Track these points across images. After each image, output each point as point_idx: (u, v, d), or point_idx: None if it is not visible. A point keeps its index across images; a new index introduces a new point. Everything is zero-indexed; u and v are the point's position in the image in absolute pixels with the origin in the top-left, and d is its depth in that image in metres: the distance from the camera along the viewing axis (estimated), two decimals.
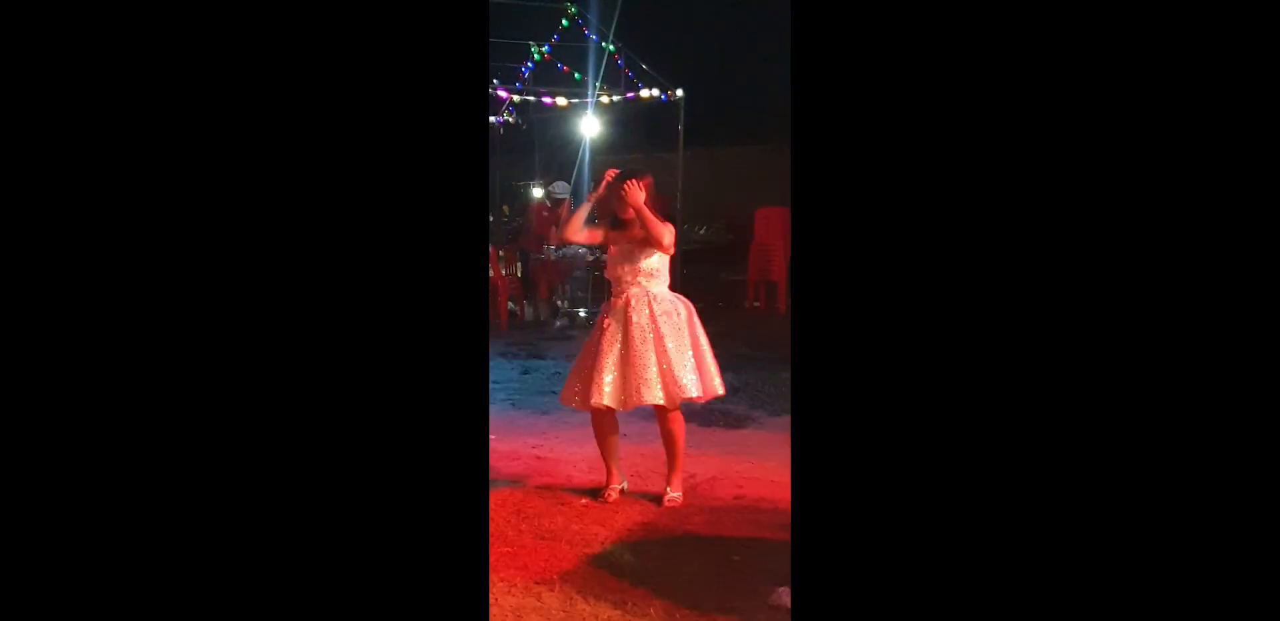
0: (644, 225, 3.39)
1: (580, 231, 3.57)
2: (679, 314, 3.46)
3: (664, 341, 3.38)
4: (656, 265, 3.47)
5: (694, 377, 3.39)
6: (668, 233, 3.42)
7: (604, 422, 3.59)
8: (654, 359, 3.37)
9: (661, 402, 3.39)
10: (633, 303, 3.44)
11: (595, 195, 3.58)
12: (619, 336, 3.42)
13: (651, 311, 3.41)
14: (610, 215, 3.55)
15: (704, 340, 3.51)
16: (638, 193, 3.38)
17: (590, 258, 8.25)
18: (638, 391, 3.37)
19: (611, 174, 3.50)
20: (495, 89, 9.31)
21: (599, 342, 3.45)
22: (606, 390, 3.39)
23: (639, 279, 3.46)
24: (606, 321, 3.48)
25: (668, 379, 3.37)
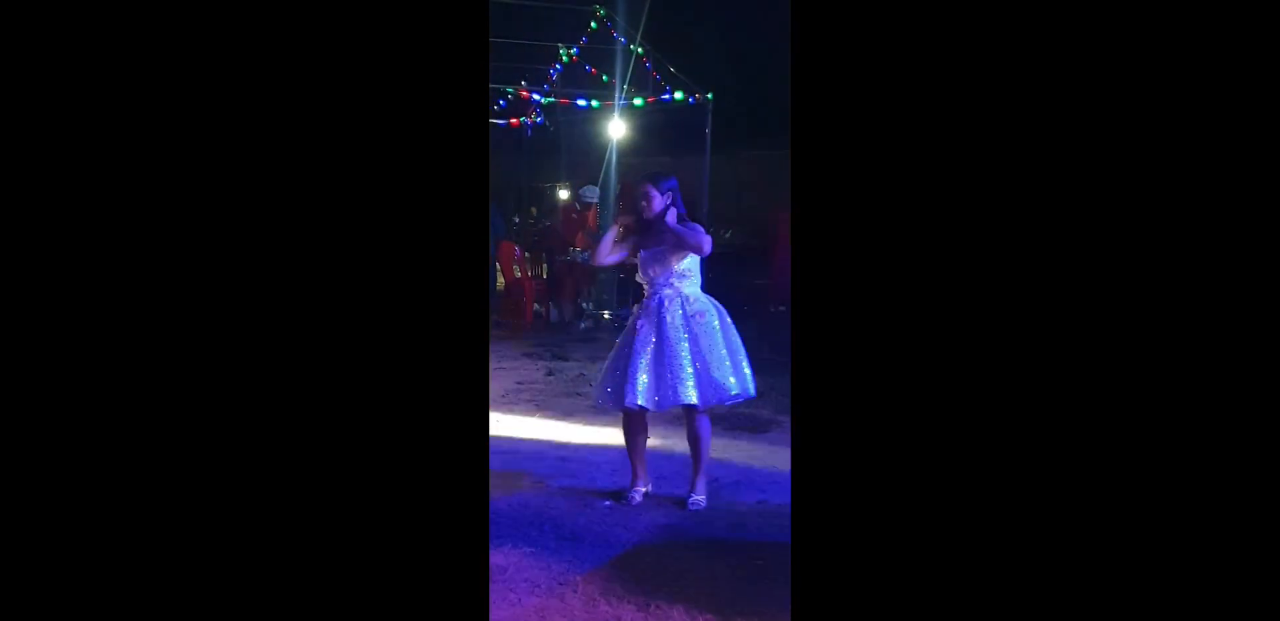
0: (683, 243, 3.40)
1: (611, 255, 3.59)
2: (712, 313, 3.46)
3: (698, 342, 3.38)
4: (688, 266, 3.48)
5: (732, 379, 3.39)
6: (706, 241, 3.41)
7: (634, 424, 3.59)
8: (689, 359, 3.37)
9: (695, 402, 3.39)
10: (666, 304, 3.44)
11: (624, 219, 3.58)
12: (653, 337, 3.42)
13: (685, 312, 3.42)
14: (639, 220, 3.54)
15: (738, 341, 3.50)
16: (671, 219, 3.43)
17: None
18: (673, 390, 3.36)
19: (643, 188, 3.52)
20: (523, 91, 9.34)
21: (632, 344, 3.45)
22: (641, 391, 3.39)
23: (671, 280, 3.47)
24: (640, 323, 3.48)
25: (702, 379, 3.37)
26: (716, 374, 3.37)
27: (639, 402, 3.40)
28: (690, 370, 3.37)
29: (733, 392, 3.39)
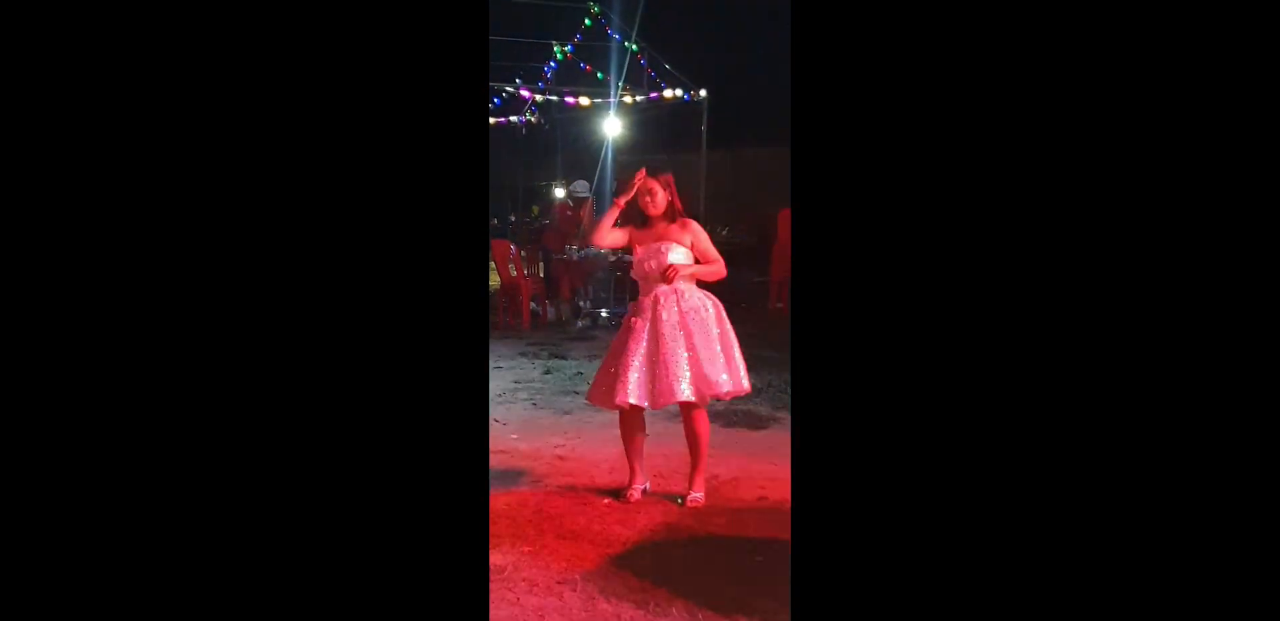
0: (705, 276, 3.49)
1: (608, 236, 3.58)
2: (707, 310, 3.45)
3: (693, 338, 3.37)
4: (684, 263, 3.47)
5: (725, 375, 3.39)
6: (721, 268, 3.51)
7: (631, 422, 3.58)
8: (684, 355, 3.37)
9: (691, 399, 3.38)
10: (661, 300, 3.43)
11: (624, 198, 3.56)
12: (647, 334, 3.42)
13: (680, 309, 3.41)
14: (637, 214, 3.54)
15: (733, 337, 3.49)
16: (686, 272, 3.47)
17: (612, 258, 8.25)
18: (668, 388, 3.35)
19: (641, 175, 3.51)
20: (519, 89, 9.34)
21: (626, 341, 3.45)
22: (633, 388, 3.38)
23: None
24: (634, 320, 3.47)
25: (697, 376, 3.36)
26: (708, 368, 3.36)
27: (631, 400, 3.39)
28: (685, 366, 3.36)
29: (722, 389, 3.38)
